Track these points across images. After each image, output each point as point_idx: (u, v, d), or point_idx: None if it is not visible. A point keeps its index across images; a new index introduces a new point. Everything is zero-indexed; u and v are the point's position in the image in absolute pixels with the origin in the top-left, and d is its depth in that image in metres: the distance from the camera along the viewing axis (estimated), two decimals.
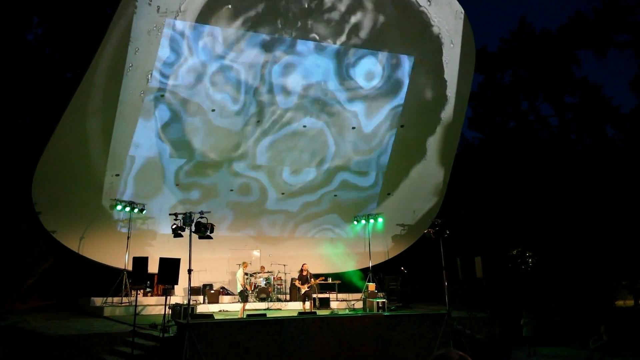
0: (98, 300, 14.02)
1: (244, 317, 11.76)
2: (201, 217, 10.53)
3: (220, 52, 15.06)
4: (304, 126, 16.70)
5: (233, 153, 16.44)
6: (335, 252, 17.81)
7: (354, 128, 17.06)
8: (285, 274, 16.14)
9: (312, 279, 13.95)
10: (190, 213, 10.44)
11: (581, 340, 12.37)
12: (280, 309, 14.49)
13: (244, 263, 13.70)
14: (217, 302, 14.74)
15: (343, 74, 16.34)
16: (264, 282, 15.24)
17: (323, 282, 15.15)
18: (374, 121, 17.18)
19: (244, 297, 13.06)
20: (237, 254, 16.14)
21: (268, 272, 15.78)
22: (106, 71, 13.84)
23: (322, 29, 15.50)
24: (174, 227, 10.78)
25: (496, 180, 20.63)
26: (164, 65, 14.56)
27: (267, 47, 15.34)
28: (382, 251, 17.88)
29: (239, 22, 14.76)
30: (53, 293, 15.74)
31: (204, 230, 10.54)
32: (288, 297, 15.78)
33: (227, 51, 15.09)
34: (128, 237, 14.34)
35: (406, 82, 16.84)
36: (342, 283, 16.24)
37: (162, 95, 14.96)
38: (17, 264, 13.67)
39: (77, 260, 14.98)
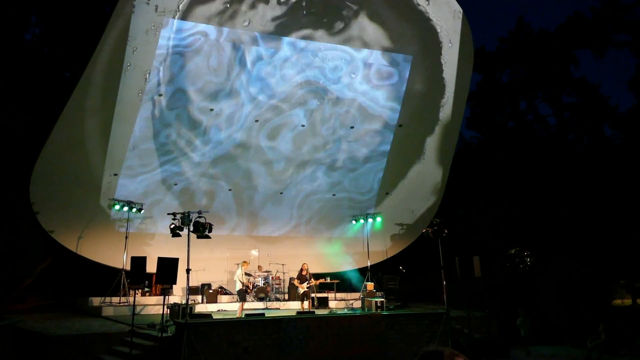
0: (96, 300, 14.01)
1: (243, 316, 11.75)
2: (199, 217, 10.53)
3: (219, 50, 15.04)
4: (302, 125, 16.70)
5: (231, 152, 16.42)
6: (333, 251, 17.82)
7: (352, 127, 17.06)
8: (284, 273, 16.14)
9: (312, 279, 13.95)
10: (188, 212, 10.43)
11: (579, 339, 12.40)
12: (279, 309, 14.48)
13: (244, 262, 13.70)
14: (215, 301, 14.73)
15: (341, 72, 16.33)
16: (263, 282, 15.24)
17: (322, 282, 15.14)
18: (372, 120, 17.18)
19: (242, 296, 13.05)
20: (236, 254, 16.14)
21: (266, 271, 15.77)
22: (104, 70, 13.82)
23: (318, 27, 15.48)
24: (172, 226, 10.77)
25: (495, 180, 20.65)
26: (162, 64, 14.54)
27: (264, 44, 15.32)
28: (381, 250, 17.89)
29: (238, 20, 14.74)
30: (51, 293, 15.72)
31: (202, 230, 10.54)
32: (286, 296, 15.79)
33: (227, 49, 15.08)
34: (126, 237, 14.32)
35: (404, 81, 16.84)
36: (340, 282, 16.24)
37: (160, 95, 14.95)
38: (15, 263, 13.65)
39: (76, 260, 14.96)
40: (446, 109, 17.20)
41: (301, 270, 13.93)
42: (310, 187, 17.58)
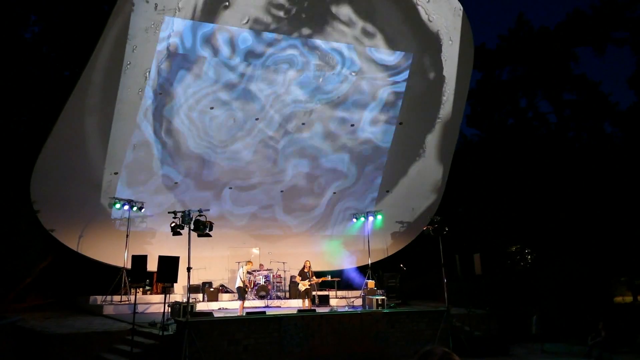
0: (97, 299, 14.02)
1: (244, 314, 11.76)
2: (200, 215, 10.52)
3: (219, 48, 15.03)
4: (303, 124, 16.70)
5: (232, 150, 16.42)
6: (334, 249, 17.82)
7: (352, 125, 17.06)
8: (285, 271, 16.16)
9: (314, 277, 13.98)
10: (189, 211, 10.42)
11: (579, 336, 12.40)
12: (280, 307, 14.50)
13: (248, 262, 13.75)
14: (216, 300, 14.75)
15: (341, 70, 16.32)
16: (263, 280, 15.25)
17: (323, 279, 15.16)
18: (372, 118, 17.17)
19: (242, 294, 13.07)
20: (237, 252, 16.15)
21: (267, 269, 15.79)
22: (104, 69, 13.80)
23: (318, 25, 15.47)
24: (172, 225, 10.76)
25: (495, 178, 20.65)
26: (162, 62, 14.53)
27: (264, 43, 15.31)
28: (381, 248, 17.90)
29: (239, 19, 14.73)
30: (52, 292, 15.73)
31: (202, 228, 10.53)
32: (287, 294, 15.80)
33: (227, 48, 15.06)
34: (127, 235, 14.33)
35: (404, 79, 16.82)
36: (341, 280, 16.24)
37: (161, 93, 14.95)
38: (16, 262, 13.67)
39: (76, 258, 14.96)
40: (446, 107, 17.19)
41: (303, 267, 13.98)
42: (311, 185, 17.57)
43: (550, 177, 20.04)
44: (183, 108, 15.43)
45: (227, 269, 16.40)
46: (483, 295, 13.44)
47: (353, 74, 16.48)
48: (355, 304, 15.16)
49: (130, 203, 14.57)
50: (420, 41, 16.40)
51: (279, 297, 15.46)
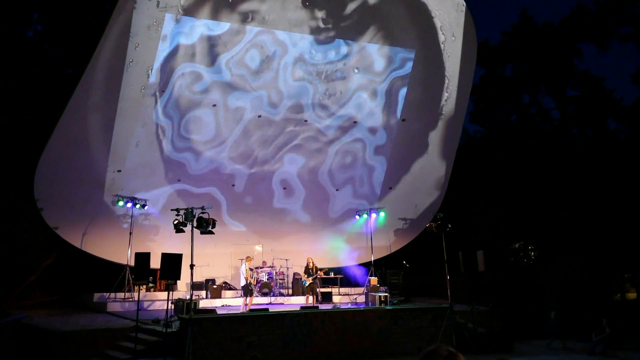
0: (101, 296, 14.06)
1: (246, 311, 11.80)
2: (203, 213, 10.53)
3: (220, 46, 15.02)
4: (305, 121, 16.68)
5: (234, 148, 16.43)
6: (337, 246, 17.82)
7: (355, 122, 17.03)
8: (288, 268, 16.17)
9: (319, 271, 14.05)
10: (192, 208, 10.43)
11: (584, 333, 12.37)
12: (283, 304, 14.53)
13: (247, 257, 13.75)
14: (219, 297, 14.78)
15: (343, 66, 16.28)
16: (267, 277, 15.27)
17: (325, 276, 15.19)
18: (375, 115, 17.14)
19: (248, 291, 13.11)
20: (239, 249, 16.17)
21: (270, 266, 15.81)
22: (106, 67, 13.82)
23: (322, 22, 15.43)
24: (175, 222, 10.78)
25: (498, 174, 20.59)
26: (164, 60, 14.53)
27: (268, 41, 15.29)
28: (384, 245, 17.89)
29: (241, 17, 14.71)
30: (56, 289, 15.79)
31: (205, 226, 10.54)
32: (290, 291, 15.82)
33: (228, 45, 15.05)
34: (130, 233, 14.36)
35: (407, 75, 16.78)
36: (344, 277, 16.25)
37: (163, 91, 14.95)
38: (20, 260, 13.71)
39: (80, 256, 15.01)
40: (449, 103, 17.14)
41: (307, 265, 14.05)
42: (313, 182, 17.57)
43: (553, 174, 19.96)
44: (185, 105, 15.42)
45: (230, 266, 16.42)
46: (486, 292, 13.43)
47: (356, 70, 16.44)
48: (358, 301, 15.18)
49: (134, 200, 14.60)
50: (423, 37, 16.34)
51: (281, 294, 15.48)
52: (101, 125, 14.38)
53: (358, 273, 17.24)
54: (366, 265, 17.01)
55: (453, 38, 16.42)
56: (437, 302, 13.93)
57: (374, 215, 17.09)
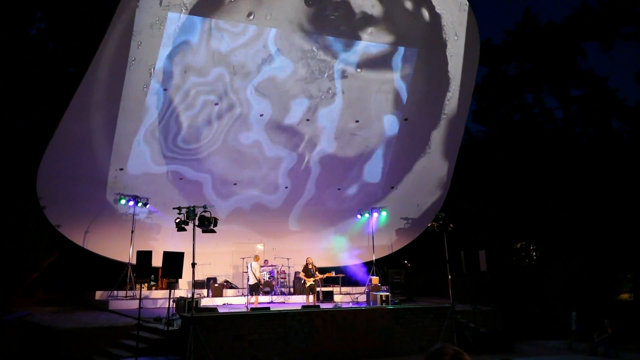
0: (103, 294, 14.10)
1: (248, 310, 11.82)
2: (205, 211, 10.54)
3: (222, 44, 15.01)
4: (307, 120, 16.68)
5: (236, 147, 16.44)
6: (338, 245, 17.82)
7: (357, 121, 17.02)
8: (289, 267, 16.18)
9: (317, 273, 14.01)
10: (193, 207, 10.44)
11: (585, 333, 12.35)
12: (284, 302, 14.54)
13: (255, 256, 13.82)
14: (220, 295, 14.80)
15: (345, 65, 16.26)
16: (268, 276, 15.29)
17: (327, 277, 15.19)
18: (377, 114, 17.12)
19: (257, 289, 13.15)
20: (241, 248, 16.19)
21: (271, 265, 15.83)
22: (109, 65, 13.83)
23: (325, 22, 15.42)
24: (177, 221, 10.79)
25: (501, 174, 20.54)
26: (167, 58, 14.54)
27: (269, 39, 15.29)
28: (386, 245, 17.88)
29: (243, 15, 14.70)
30: (58, 287, 15.84)
31: (207, 224, 10.55)
32: (292, 290, 15.83)
33: (230, 44, 15.05)
34: (132, 231, 14.39)
35: (410, 74, 16.74)
36: (345, 276, 16.24)
37: (166, 90, 14.96)
38: (23, 258, 13.75)
39: (82, 254, 15.06)
40: (452, 103, 17.10)
41: (306, 264, 14.02)
42: (316, 181, 17.56)
43: (556, 173, 19.90)
44: (188, 103, 15.42)
45: (231, 265, 16.44)
46: (488, 291, 13.40)
47: (358, 70, 16.42)
48: (359, 300, 15.17)
49: (136, 199, 14.62)
50: (426, 36, 16.31)
51: (283, 293, 15.49)
52: (104, 123, 14.40)
53: (359, 272, 17.24)
54: (368, 264, 17.01)
55: (456, 37, 16.38)
56: (438, 302, 13.91)
57: (375, 214, 17.08)
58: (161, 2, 13.77)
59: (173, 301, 11.21)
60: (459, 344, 10.44)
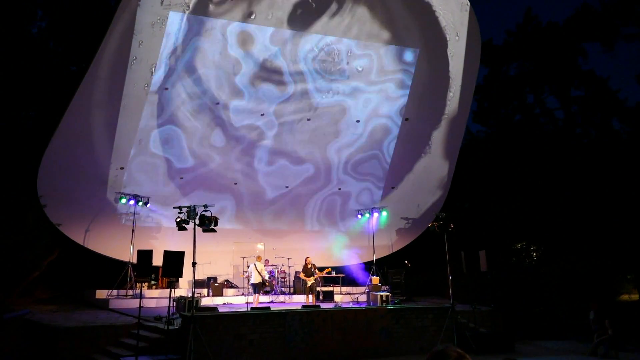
0: (103, 293, 14.10)
1: (249, 309, 11.81)
2: (205, 211, 10.52)
3: (223, 43, 15.01)
4: (308, 119, 16.67)
5: (237, 146, 16.43)
6: (339, 245, 17.82)
7: (358, 121, 17.02)
8: (289, 267, 16.18)
9: (317, 271, 14.01)
10: (194, 206, 10.43)
11: (585, 334, 12.34)
12: (284, 302, 14.54)
13: (258, 256, 13.84)
14: (221, 295, 14.80)
15: (346, 65, 16.26)
16: (268, 276, 15.28)
17: (327, 275, 15.20)
18: (378, 114, 17.11)
19: (259, 288, 13.17)
20: (241, 247, 16.19)
21: (272, 265, 15.82)
22: (110, 64, 13.84)
23: (326, 22, 15.41)
24: (178, 220, 10.78)
25: (501, 174, 20.54)
26: (167, 57, 14.54)
27: (271, 40, 15.28)
28: (386, 245, 17.87)
29: (244, 14, 14.70)
30: (59, 285, 15.84)
31: (208, 224, 10.54)
32: (292, 290, 15.83)
33: (232, 43, 15.05)
34: (133, 230, 14.39)
35: (411, 75, 16.74)
36: (345, 276, 16.23)
37: (167, 89, 14.96)
38: (23, 256, 13.77)
39: (83, 252, 15.06)
40: (453, 103, 17.10)
41: (305, 264, 14.01)
42: (316, 181, 17.56)
43: (556, 174, 19.90)
44: (188, 103, 15.42)
45: (231, 264, 16.44)
46: (488, 292, 13.39)
47: (359, 69, 16.41)
48: (359, 300, 15.17)
49: (136, 198, 14.62)
50: (427, 37, 16.30)
51: (283, 293, 15.49)
52: (104, 122, 14.40)
53: (360, 272, 17.24)
54: (368, 264, 17.01)
55: (457, 37, 16.38)
56: (439, 302, 13.91)
57: (376, 214, 17.08)
58: (162, 1, 13.77)
59: (173, 300, 11.20)
60: (459, 344, 10.45)
